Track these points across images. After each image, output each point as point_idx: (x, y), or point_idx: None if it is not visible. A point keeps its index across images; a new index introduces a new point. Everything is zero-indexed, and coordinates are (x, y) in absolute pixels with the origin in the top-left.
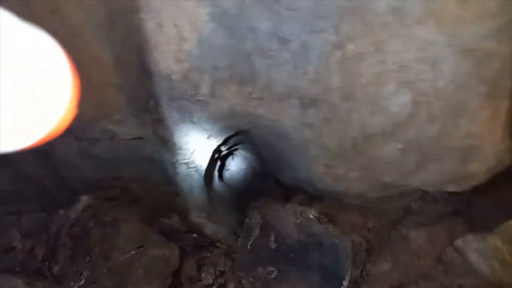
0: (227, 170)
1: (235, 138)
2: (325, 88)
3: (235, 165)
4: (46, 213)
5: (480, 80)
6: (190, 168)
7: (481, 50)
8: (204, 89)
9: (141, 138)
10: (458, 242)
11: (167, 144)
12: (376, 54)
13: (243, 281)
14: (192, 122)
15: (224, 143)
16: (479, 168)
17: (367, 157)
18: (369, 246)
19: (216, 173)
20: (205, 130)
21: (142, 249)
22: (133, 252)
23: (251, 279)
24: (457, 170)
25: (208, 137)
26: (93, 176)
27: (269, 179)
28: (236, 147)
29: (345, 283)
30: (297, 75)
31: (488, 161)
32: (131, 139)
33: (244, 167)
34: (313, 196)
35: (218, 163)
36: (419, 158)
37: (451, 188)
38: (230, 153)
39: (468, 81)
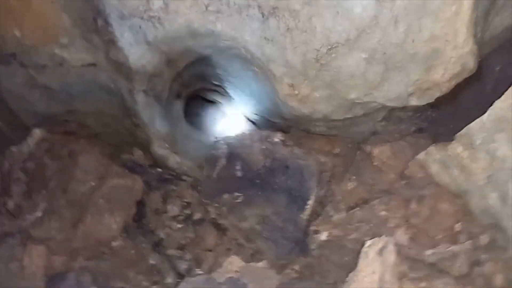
0: (195, 114)
1: (198, 75)
2: None
3: (202, 109)
4: None
5: None
6: (149, 96)
7: None
8: (157, 3)
9: (93, 64)
10: (421, 156)
11: (122, 70)
12: None
13: (209, 209)
14: (147, 43)
15: (184, 71)
16: (443, 75)
17: (331, 72)
18: (336, 170)
19: (181, 113)
20: (163, 52)
21: (103, 180)
22: (92, 183)
23: (216, 205)
24: (421, 79)
25: (167, 62)
26: (45, 110)
27: (237, 117)
28: (201, 92)
29: (310, 202)
30: None
31: (452, 66)
32: (82, 65)
33: (211, 110)
34: (281, 129)
35: (182, 102)
36: (384, 68)
37: (414, 102)
38: (195, 96)
39: None
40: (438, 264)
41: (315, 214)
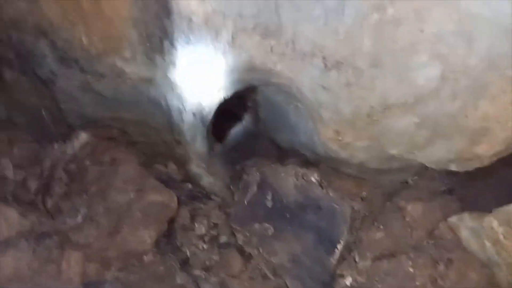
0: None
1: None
2: (353, 51)
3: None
4: (38, 145)
5: (510, 62)
6: (196, 117)
7: None
8: (225, 36)
9: (150, 80)
10: (453, 219)
11: (176, 90)
12: (415, 21)
13: (237, 234)
14: (207, 70)
15: (232, 98)
16: (487, 151)
17: (380, 127)
18: (364, 216)
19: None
20: (219, 80)
21: (141, 192)
22: (131, 195)
23: (247, 233)
24: (464, 150)
25: (218, 89)
26: (92, 114)
27: (263, 139)
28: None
29: (339, 246)
30: (326, 33)
31: (497, 145)
32: (138, 79)
33: (235, 127)
34: (308, 161)
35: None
36: (431, 134)
37: (453, 167)
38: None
39: (499, 62)
40: None
41: (341, 258)
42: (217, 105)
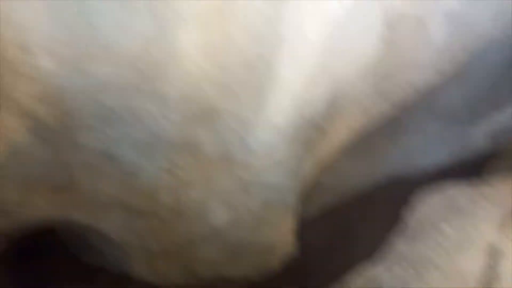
0: None
1: None
2: (155, 202)
3: None
4: None
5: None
6: None
7: None
8: None
9: None
10: None
11: None
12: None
13: None
14: None
15: None
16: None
17: (189, 257)
18: None
19: None
20: None
21: None
22: None
23: None
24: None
25: None
26: None
27: (64, 257)
28: None
29: None
30: (126, 187)
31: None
32: None
33: None
34: (121, 276)
35: None
36: (231, 255)
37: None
38: None
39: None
40: None
41: None
42: None
